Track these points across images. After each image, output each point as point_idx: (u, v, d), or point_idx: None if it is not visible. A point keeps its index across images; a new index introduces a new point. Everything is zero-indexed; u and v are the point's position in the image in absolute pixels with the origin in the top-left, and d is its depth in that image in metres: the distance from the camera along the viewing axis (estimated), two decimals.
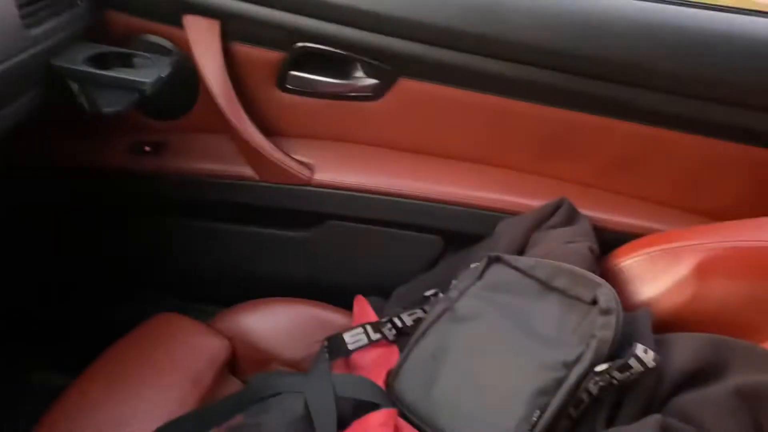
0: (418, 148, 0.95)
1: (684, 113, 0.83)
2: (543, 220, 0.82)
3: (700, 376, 0.59)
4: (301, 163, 0.95)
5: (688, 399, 0.57)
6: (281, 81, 0.93)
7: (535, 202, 0.86)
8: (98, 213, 1.08)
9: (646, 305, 0.70)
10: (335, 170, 0.94)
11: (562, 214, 0.82)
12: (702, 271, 0.69)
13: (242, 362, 0.87)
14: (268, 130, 0.96)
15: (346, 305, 0.91)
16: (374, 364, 0.76)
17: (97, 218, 1.08)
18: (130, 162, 1.00)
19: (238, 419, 0.65)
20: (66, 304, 1.15)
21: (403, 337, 0.78)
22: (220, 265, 1.08)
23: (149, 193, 1.03)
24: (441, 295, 0.78)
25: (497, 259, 0.74)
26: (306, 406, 0.62)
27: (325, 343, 0.76)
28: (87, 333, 0.92)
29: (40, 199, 1.06)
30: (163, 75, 0.85)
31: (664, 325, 0.67)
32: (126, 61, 0.87)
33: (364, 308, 0.86)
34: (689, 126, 0.84)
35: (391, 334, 0.79)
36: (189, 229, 1.06)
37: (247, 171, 0.97)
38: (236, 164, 0.97)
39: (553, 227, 0.81)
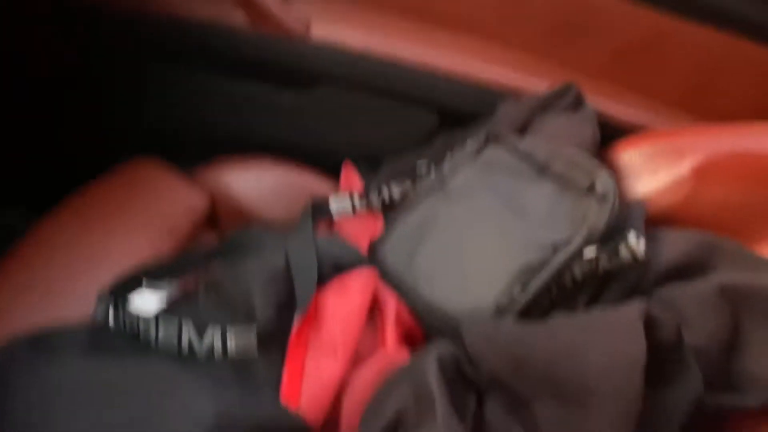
0: (425, 13, 0.89)
1: (705, 2, 0.78)
2: (548, 103, 0.78)
3: (686, 270, 0.58)
4: (297, 14, 0.88)
5: (673, 291, 0.57)
6: None
7: (541, 86, 0.83)
8: (69, 55, 1.01)
9: (642, 199, 0.68)
10: (335, 27, 0.88)
11: (568, 99, 0.78)
12: (702, 171, 0.67)
13: (222, 217, 0.85)
14: None
15: (333, 174, 0.89)
16: (358, 231, 0.75)
17: (68, 61, 1.01)
18: None
19: (215, 268, 0.63)
20: (32, 148, 1.10)
21: (390, 208, 0.77)
22: (200, 119, 1.02)
23: (126, 35, 0.95)
24: (433, 168, 0.76)
25: (496, 138, 0.71)
26: (286, 261, 0.61)
27: (310, 205, 0.74)
28: (56, 176, 0.89)
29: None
30: None
31: (657, 221, 0.66)
32: None
33: (351, 175, 0.84)
34: (709, 17, 0.79)
35: (377, 203, 0.77)
36: (169, 77, 0.99)
37: (238, 17, 0.89)
38: (226, 8, 0.89)
39: (558, 112, 0.77)
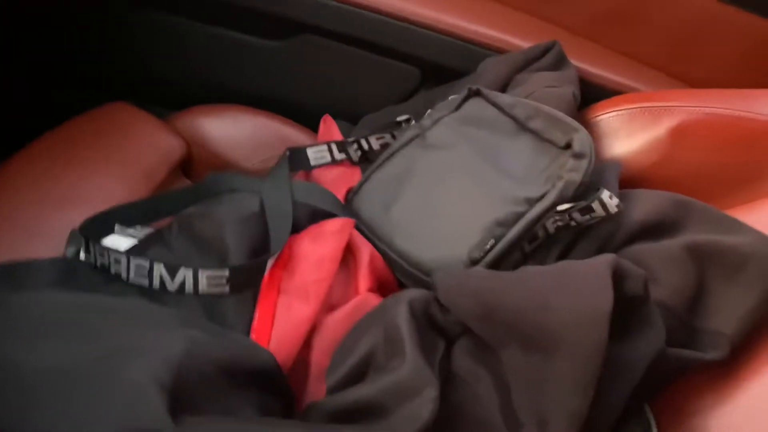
0: None
1: None
2: (530, 61, 0.78)
3: (656, 229, 0.59)
4: None
5: (642, 248, 0.58)
6: None
7: (524, 43, 0.82)
8: None
9: (617, 159, 0.69)
10: None
11: (550, 57, 0.78)
12: (678, 134, 0.68)
13: (197, 165, 0.84)
14: None
15: (312, 126, 0.88)
16: (335, 182, 0.74)
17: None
18: None
19: (189, 209, 0.63)
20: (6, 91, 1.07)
21: (368, 160, 0.76)
22: (178, 66, 1.01)
23: None
24: (413, 122, 0.75)
25: (477, 93, 0.71)
26: (261, 205, 0.60)
27: (287, 153, 0.74)
28: (31, 120, 0.86)
29: None
30: None
31: (631, 182, 0.67)
32: None
33: (330, 128, 0.83)
34: None
35: (356, 155, 0.77)
36: (147, 21, 0.96)
37: None
38: None
39: (540, 70, 0.77)
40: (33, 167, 0.72)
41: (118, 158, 0.77)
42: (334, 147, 0.77)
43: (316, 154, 0.77)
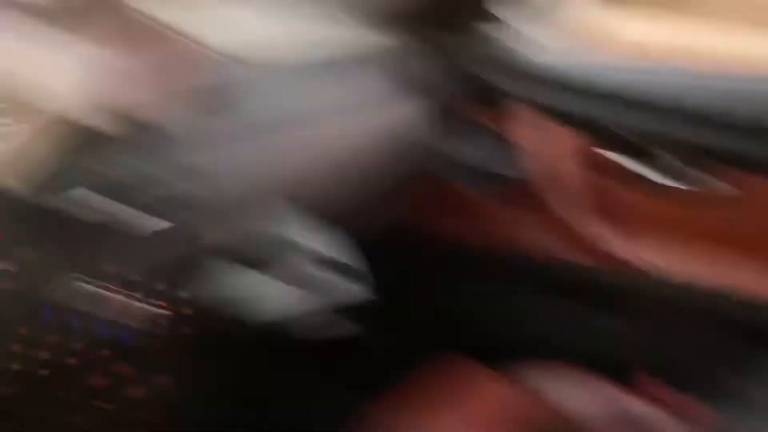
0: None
1: None
2: None
3: None
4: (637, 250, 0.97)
5: None
6: None
7: None
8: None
9: None
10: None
11: None
12: None
13: (533, 417, 0.91)
14: None
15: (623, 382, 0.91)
16: None
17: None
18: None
19: None
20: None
21: None
22: (507, 323, 1.12)
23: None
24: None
25: None
26: None
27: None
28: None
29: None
30: None
31: None
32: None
33: (656, 389, 0.86)
34: None
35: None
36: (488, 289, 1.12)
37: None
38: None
39: None
40: (395, 414, 0.84)
41: (467, 412, 0.88)
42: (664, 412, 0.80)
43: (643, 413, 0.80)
